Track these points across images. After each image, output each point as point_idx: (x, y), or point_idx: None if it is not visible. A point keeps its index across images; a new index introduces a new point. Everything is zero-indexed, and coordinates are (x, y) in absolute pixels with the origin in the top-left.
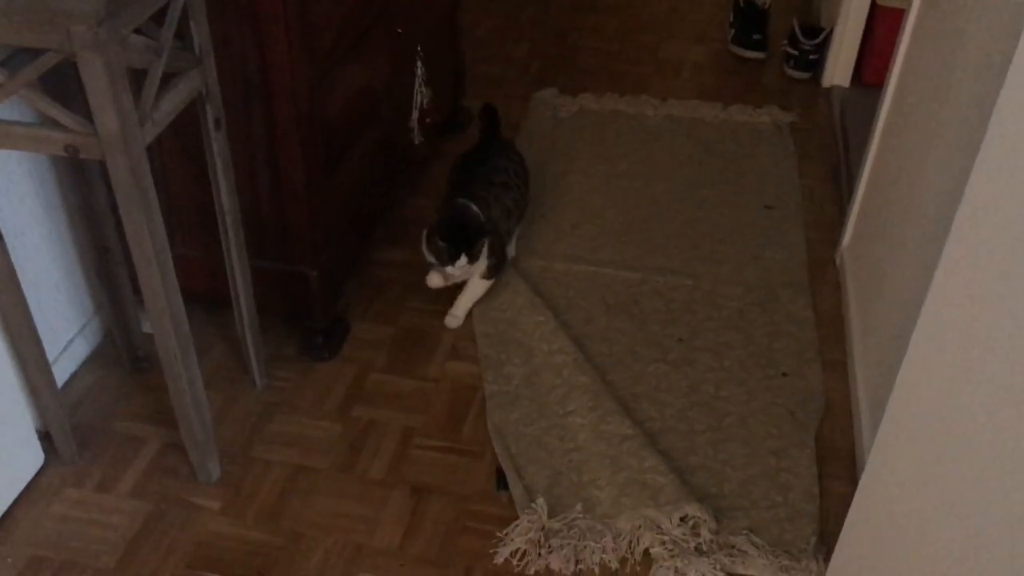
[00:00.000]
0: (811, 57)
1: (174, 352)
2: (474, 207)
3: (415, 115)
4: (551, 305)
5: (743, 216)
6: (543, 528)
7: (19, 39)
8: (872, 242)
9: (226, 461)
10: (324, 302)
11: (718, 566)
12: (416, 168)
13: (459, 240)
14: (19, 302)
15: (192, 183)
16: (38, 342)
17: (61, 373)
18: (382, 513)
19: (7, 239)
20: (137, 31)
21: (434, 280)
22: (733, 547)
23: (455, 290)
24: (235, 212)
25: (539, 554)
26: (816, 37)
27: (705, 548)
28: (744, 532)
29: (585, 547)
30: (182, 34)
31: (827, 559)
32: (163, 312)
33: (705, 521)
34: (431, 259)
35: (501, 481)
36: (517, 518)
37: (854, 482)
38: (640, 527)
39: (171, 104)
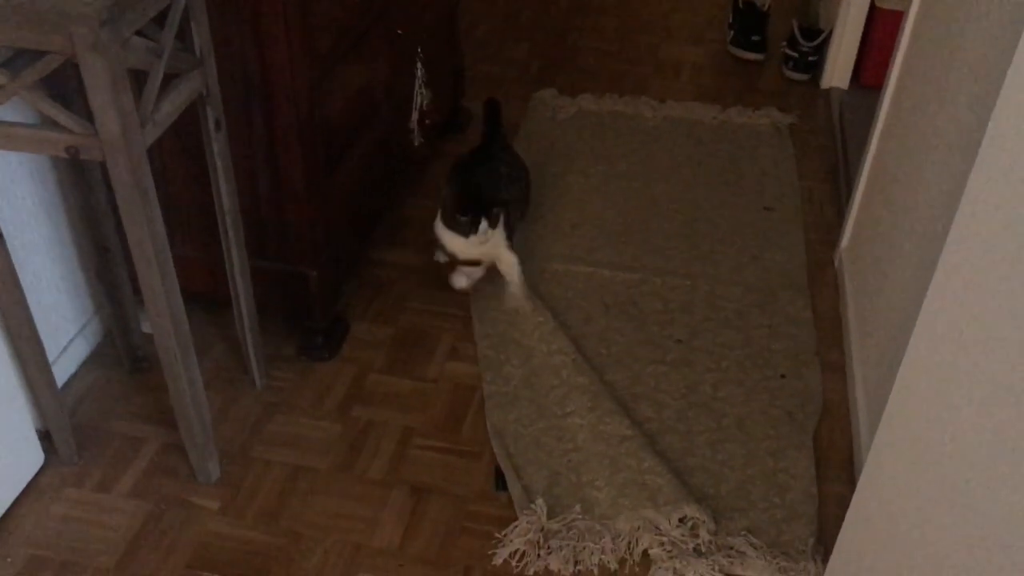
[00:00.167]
0: (810, 59)
1: (174, 352)
2: (482, 183)
3: (415, 116)
4: (550, 306)
5: (742, 217)
6: (542, 529)
7: (21, 41)
8: (871, 244)
9: (226, 461)
10: (324, 302)
11: (716, 567)
12: (416, 169)
13: (477, 208)
14: (19, 302)
15: (192, 183)
16: (38, 342)
17: (61, 373)
18: (381, 513)
19: (7, 239)
20: (138, 33)
21: (459, 281)
22: (731, 548)
23: (455, 293)
24: (235, 212)
25: (538, 555)
26: (815, 39)
27: (703, 549)
28: (742, 533)
29: (584, 548)
30: (183, 35)
31: (825, 560)
32: (163, 312)
33: (704, 522)
34: (448, 244)
35: (500, 481)
36: (516, 519)
37: (852, 483)
38: (639, 528)
39: (172, 105)
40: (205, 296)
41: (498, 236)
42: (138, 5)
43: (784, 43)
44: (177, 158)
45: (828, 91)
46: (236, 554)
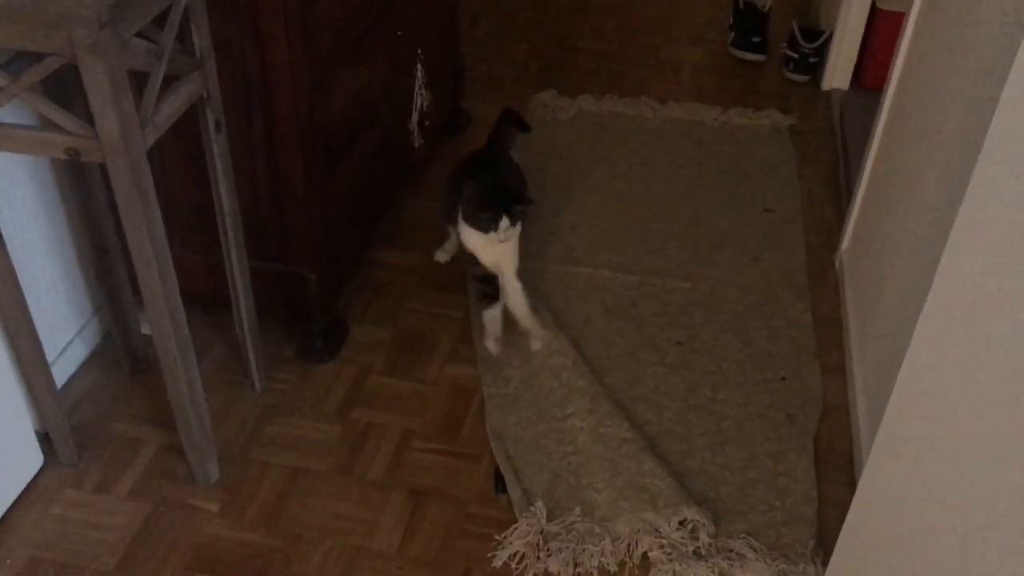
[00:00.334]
0: (811, 60)
1: (173, 354)
2: (506, 179)
3: (415, 117)
4: (549, 307)
5: (742, 219)
6: (542, 531)
7: (21, 43)
8: (871, 246)
9: (225, 463)
10: (323, 304)
11: (716, 570)
12: (416, 170)
13: (499, 203)
14: (18, 303)
15: (192, 184)
16: (37, 343)
17: (60, 374)
18: (381, 515)
19: (7, 240)
20: (138, 34)
21: (492, 346)
22: (731, 551)
23: (455, 295)
24: (235, 214)
25: (537, 557)
26: (816, 40)
27: (703, 552)
28: (742, 536)
29: (584, 550)
30: (183, 37)
31: (825, 563)
32: (162, 314)
33: (704, 525)
34: (466, 241)
35: (500, 484)
36: (515, 521)
37: (852, 486)
38: (639, 531)
39: (172, 107)
40: (205, 297)
41: (515, 240)
42: (138, 7)
43: (785, 44)
44: (177, 159)
45: (829, 93)
46: (235, 556)
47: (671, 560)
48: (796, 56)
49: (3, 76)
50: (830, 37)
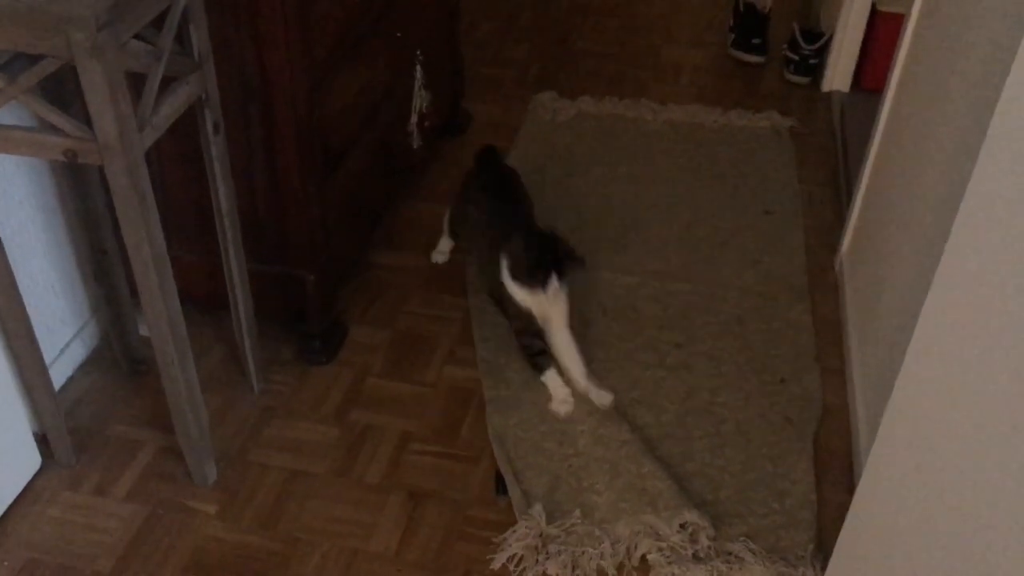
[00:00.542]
0: (811, 62)
1: (171, 356)
2: (539, 231)
3: (414, 118)
4: None
5: (742, 221)
6: (541, 534)
7: (19, 44)
8: (871, 248)
9: (223, 465)
10: (322, 306)
11: (715, 573)
12: (415, 171)
13: (548, 261)
14: (16, 304)
15: (190, 186)
16: (35, 345)
17: (58, 376)
18: (379, 518)
19: (5, 242)
20: (136, 36)
21: (563, 407)
22: (730, 554)
23: (454, 296)
24: (233, 215)
25: (536, 560)
26: (816, 42)
27: (703, 555)
28: (741, 539)
29: (583, 553)
30: (181, 38)
31: (824, 566)
32: (160, 315)
33: (704, 528)
34: (516, 296)
35: (500, 486)
36: (514, 523)
37: (851, 489)
38: (639, 533)
39: (170, 109)
40: (203, 299)
41: (562, 304)
42: (136, 8)
43: (785, 46)
44: (175, 161)
45: (829, 94)
46: (233, 558)
47: (670, 563)
48: (796, 58)
49: (1, 78)
50: (830, 39)
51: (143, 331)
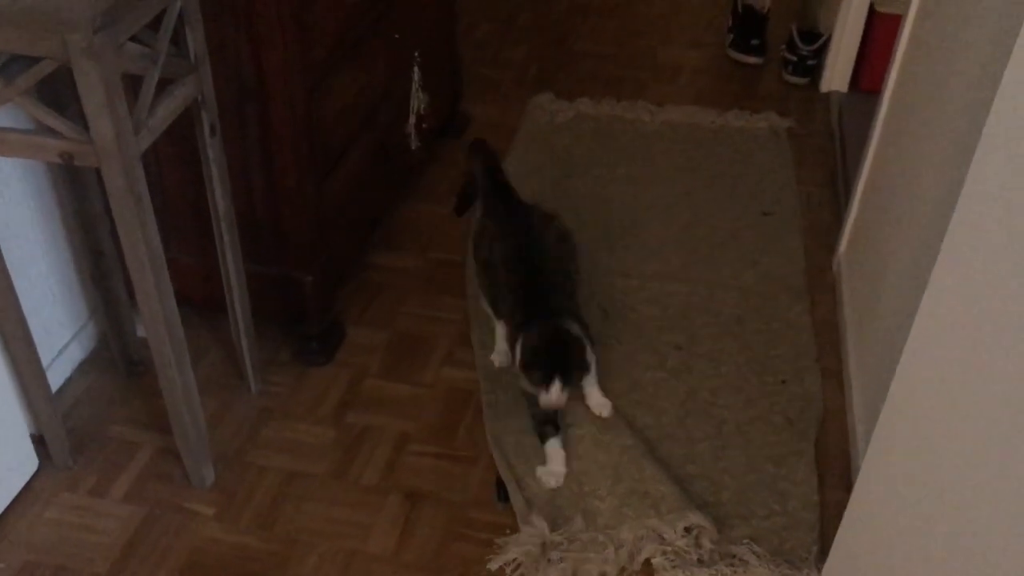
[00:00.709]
0: (809, 63)
1: (168, 357)
2: (566, 323)
3: (412, 120)
4: None
5: (740, 222)
6: (543, 543)
7: (15, 46)
8: (868, 249)
9: (220, 466)
10: (319, 307)
11: None
12: (413, 172)
13: (554, 362)
14: (13, 306)
15: (187, 187)
16: (32, 347)
17: (56, 377)
18: (376, 519)
19: (2, 244)
20: (133, 38)
21: (551, 479)
22: (734, 556)
23: (452, 298)
24: (230, 217)
25: (537, 567)
26: (814, 42)
27: (706, 558)
28: (744, 541)
29: (585, 560)
30: (178, 40)
31: None
32: (157, 317)
33: (708, 530)
34: (533, 390)
35: (501, 492)
36: (512, 524)
37: (850, 489)
38: (642, 538)
39: (167, 111)
40: (200, 301)
41: (589, 379)
42: (132, 11)
43: (783, 47)
44: (173, 163)
45: (827, 95)
46: (230, 560)
47: (674, 567)
48: (795, 59)
49: None
50: (828, 40)
51: (141, 332)
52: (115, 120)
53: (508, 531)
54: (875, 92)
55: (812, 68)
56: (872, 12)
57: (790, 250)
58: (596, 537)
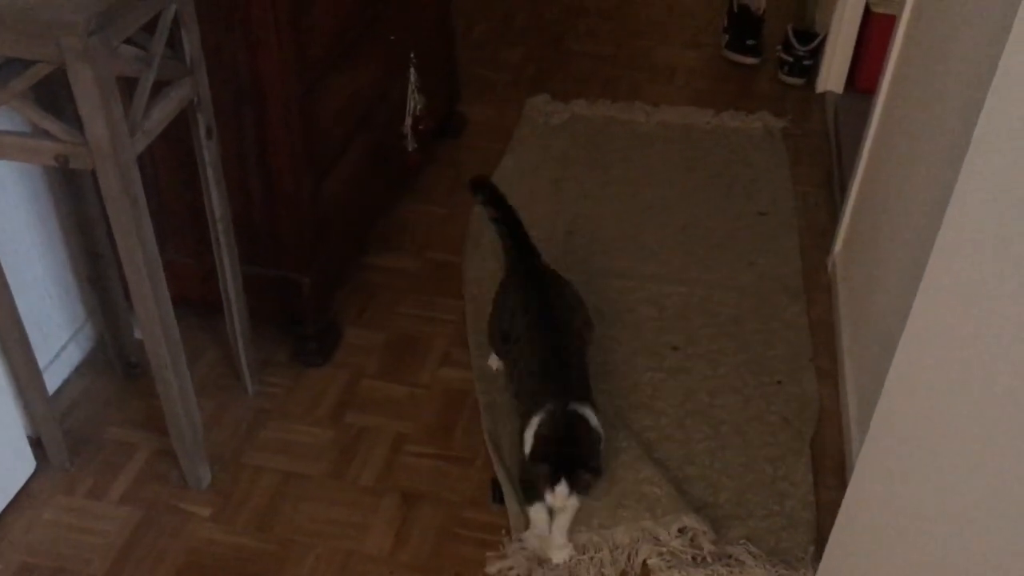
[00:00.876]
0: (805, 63)
1: (165, 359)
2: (584, 411)
3: (408, 121)
4: None
5: (736, 222)
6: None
7: (10, 49)
8: (863, 249)
9: (217, 467)
10: (316, 308)
11: None
12: (410, 173)
13: (560, 461)
14: (10, 309)
15: (184, 189)
16: (29, 348)
17: (53, 379)
18: (373, 520)
19: None
20: (128, 40)
21: (536, 542)
22: (731, 557)
23: (449, 298)
24: (226, 219)
25: (531, 571)
26: (810, 43)
27: (703, 559)
28: (742, 542)
29: (579, 563)
30: (173, 43)
31: None
32: (153, 319)
33: (704, 532)
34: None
35: (497, 494)
36: (506, 524)
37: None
38: (638, 539)
39: (162, 113)
40: (198, 302)
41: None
42: (127, 14)
43: (779, 47)
44: (169, 164)
45: (823, 95)
46: (227, 561)
47: (671, 567)
48: (790, 59)
49: None
50: (824, 40)
51: (138, 334)
52: (110, 123)
53: (503, 531)
54: (871, 92)
55: (808, 68)
56: (868, 12)
57: (786, 250)
58: (592, 538)
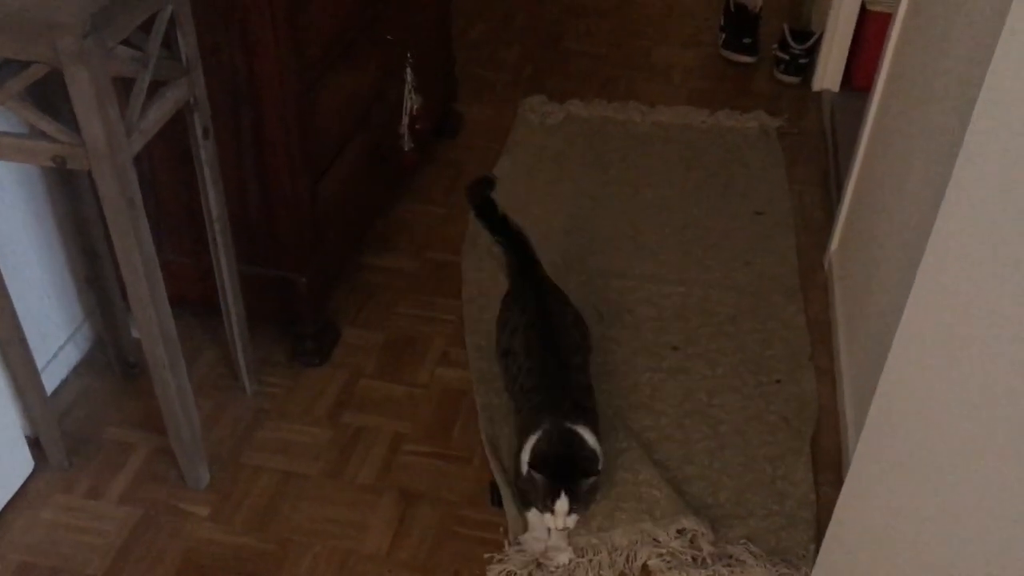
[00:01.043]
0: (801, 61)
1: (162, 359)
2: (583, 432)
3: (405, 121)
4: None
5: (733, 222)
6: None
7: (5, 51)
8: (858, 247)
9: (215, 467)
10: (314, 308)
11: None
12: (407, 173)
13: (563, 475)
14: (7, 309)
15: (181, 189)
16: (26, 349)
17: (51, 379)
18: (371, 519)
19: None
20: (124, 41)
21: (535, 544)
22: (731, 557)
23: (446, 298)
24: (224, 219)
25: (529, 573)
26: (806, 41)
27: (703, 560)
28: (742, 541)
29: (578, 565)
30: (169, 43)
31: None
32: (151, 319)
33: (704, 534)
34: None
35: (495, 496)
36: (504, 523)
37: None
38: (637, 541)
39: (158, 113)
40: (195, 302)
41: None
42: (123, 15)
43: (776, 46)
44: (167, 164)
45: (819, 94)
46: (225, 560)
47: (670, 568)
48: (787, 57)
49: None
50: (820, 38)
51: (136, 333)
52: (106, 123)
53: (502, 529)
54: (867, 90)
55: (804, 67)
56: (864, 10)
57: (783, 249)
58: (590, 540)
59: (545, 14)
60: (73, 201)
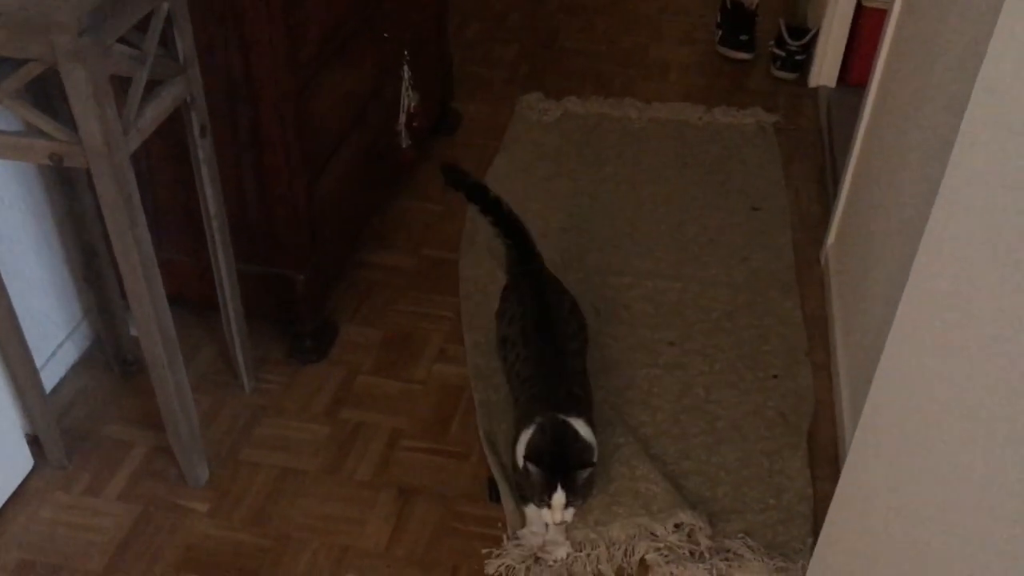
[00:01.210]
0: (797, 58)
1: (161, 357)
2: (577, 424)
3: (402, 118)
4: None
5: (730, 218)
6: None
7: (2, 49)
8: (855, 242)
9: (214, 464)
10: (312, 305)
11: (714, 571)
12: (404, 170)
13: (559, 467)
14: (6, 307)
15: (179, 187)
16: (25, 347)
17: (50, 377)
18: (369, 515)
19: None
20: (121, 39)
21: (534, 539)
22: (728, 551)
23: (444, 295)
24: (221, 217)
25: (528, 568)
26: (802, 38)
27: (700, 554)
28: (739, 536)
29: (576, 560)
30: (166, 42)
31: None
32: (149, 317)
33: (701, 528)
34: (521, 498)
35: (493, 492)
36: (503, 518)
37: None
38: (634, 536)
39: (155, 111)
40: (194, 300)
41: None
42: (120, 13)
43: (772, 42)
44: (164, 162)
45: (816, 90)
46: (225, 556)
47: (668, 562)
48: (783, 54)
49: None
50: (816, 34)
51: (134, 331)
52: (103, 121)
53: (500, 524)
54: (863, 86)
55: (800, 63)
56: (859, 7)
57: (780, 245)
58: (588, 535)
59: (541, 12)
60: (71, 200)
